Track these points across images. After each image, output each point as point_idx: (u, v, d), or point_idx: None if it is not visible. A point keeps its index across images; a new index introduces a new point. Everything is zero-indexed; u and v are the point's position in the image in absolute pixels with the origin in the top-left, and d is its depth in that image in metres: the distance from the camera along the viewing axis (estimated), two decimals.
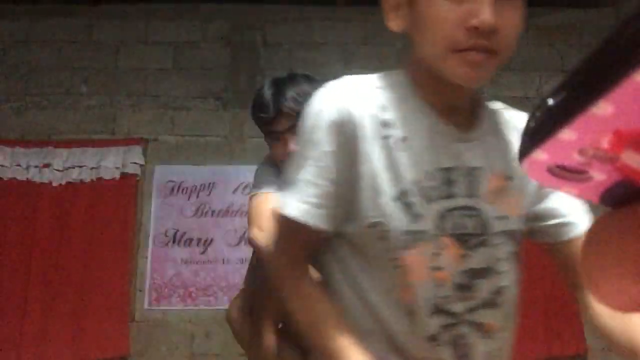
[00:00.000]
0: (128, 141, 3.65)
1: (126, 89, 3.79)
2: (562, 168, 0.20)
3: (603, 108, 0.17)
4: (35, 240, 3.42)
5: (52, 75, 3.79)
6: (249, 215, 1.44)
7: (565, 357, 3.42)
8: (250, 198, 1.46)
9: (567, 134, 0.18)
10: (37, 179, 3.53)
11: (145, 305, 3.45)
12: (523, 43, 4.17)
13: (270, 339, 1.43)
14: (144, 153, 3.66)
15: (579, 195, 0.21)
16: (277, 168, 1.50)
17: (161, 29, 3.89)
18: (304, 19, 3.93)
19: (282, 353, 1.47)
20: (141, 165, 3.63)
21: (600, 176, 0.19)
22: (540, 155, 0.19)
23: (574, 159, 0.19)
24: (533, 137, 0.19)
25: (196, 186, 3.63)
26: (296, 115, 1.39)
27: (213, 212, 3.59)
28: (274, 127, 1.43)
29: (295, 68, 3.86)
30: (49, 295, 3.34)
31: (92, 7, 3.87)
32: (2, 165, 3.54)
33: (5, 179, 3.53)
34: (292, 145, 1.39)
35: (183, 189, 3.63)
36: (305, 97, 1.36)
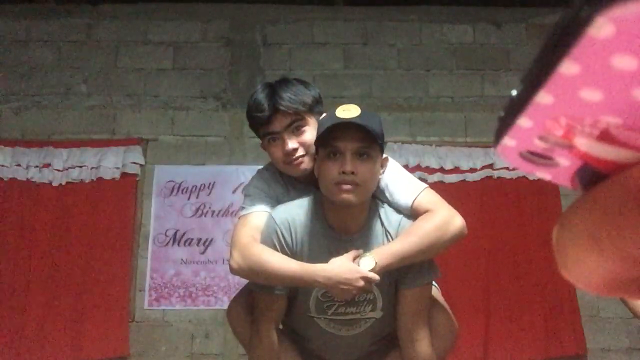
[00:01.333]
0: (128, 141, 3.65)
1: (126, 89, 3.79)
2: (532, 154, 0.21)
3: (545, 97, 0.18)
4: (35, 240, 3.42)
5: (52, 75, 3.79)
6: (231, 238, 1.48)
7: (565, 357, 3.41)
8: (239, 218, 1.49)
9: (524, 122, 0.20)
10: (37, 179, 3.53)
11: (145, 305, 3.45)
12: (522, 42, 4.16)
13: (270, 338, 1.43)
14: (144, 153, 3.66)
15: (554, 180, 0.22)
16: (278, 177, 1.53)
17: (161, 29, 3.89)
18: (304, 19, 3.93)
19: (282, 352, 1.48)
20: (141, 165, 3.63)
21: (564, 161, 0.21)
22: (509, 141, 0.21)
23: (538, 146, 0.21)
24: (501, 125, 0.21)
25: (196, 186, 3.63)
26: (293, 113, 1.42)
27: (213, 212, 3.59)
28: (270, 127, 1.44)
29: (295, 68, 3.86)
30: (49, 295, 3.34)
31: (92, 7, 3.88)
32: (2, 165, 3.54)
33: (5, 179, 3.53)
34: (291, 144, 1.41)
35: (183, 189, 3.62)
36: (301, 96, 1.42)
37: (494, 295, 3.43)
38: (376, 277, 1.29)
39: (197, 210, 3.60)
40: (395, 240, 1.36)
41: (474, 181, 3.59)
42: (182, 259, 3.52)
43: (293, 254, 1.37)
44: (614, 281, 0.19)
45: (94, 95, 3.78)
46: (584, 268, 0.19)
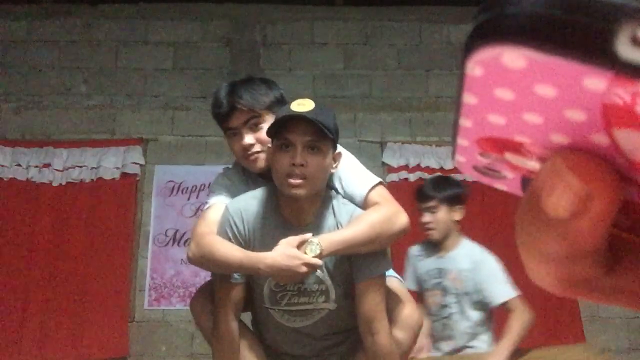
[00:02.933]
0: (128, 141, 3.65)
1: (126, 89, 3.79)
2: (483, 166, 0.23)
3: (465, 121, 0.20)
4: (35, 240, 3.42)
5: (52, 75, 3.79)
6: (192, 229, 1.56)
7: None
8: (202, 212, 1.57)
9: (462, 141, 0.22)
10: (37, 179, 3.53)
11: (145, 305, 3.45)
12: None
13: (228, 327, 1.46)
14: (144, 153, 3.66)
15: (509, 190, 0.24)
16: (241, 173, 1.60)
17: (161, 29, 3.89)
18: (304, 19, 3.93)
19: (242, 344, 1.51)
20: (141, 165, 3.63)
21: (508, 174, 0.22)
22: (459, 157, 0.23)
23: (482, 161, 0.22)
24: (452, 142, 0.23)
25: (196, 186, 3.63)
26: (249, 110, 1.48)
27: None
28: (229, 122, 1.52)
29: (295, 68, 3.86)
30: (49, 295, 3.34)
31: (92, 7, 3.88)
32: (2, 165, 3.54)
33: (5, 179, 3.53)
34: (247, 139, 1.48)
35: (183, 189, 3.63)
36: (260, 95, 1.50)
37: None
38: (318, 262, 1.32)
39: (197, 210, 3.60)
40: (343, 228, 1.40)
41: (474, 181, 3.59)
42: (182, 259, 3.52)
43: (245, 243, 1.42)
44: (560, 282, 0.20)
45: (94, 95, 3.78)
46: (532, 270, 0.21)
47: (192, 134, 3.73)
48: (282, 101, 1.55)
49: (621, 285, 0.20)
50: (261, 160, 1.49)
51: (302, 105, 1.34)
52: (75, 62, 3.82)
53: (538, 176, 0.19)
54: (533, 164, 0.20)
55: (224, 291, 1.46)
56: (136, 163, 3.61)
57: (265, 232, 1.42)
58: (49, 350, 3.25)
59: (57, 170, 3.53)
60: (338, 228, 1.42)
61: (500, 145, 0.20)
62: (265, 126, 1.46)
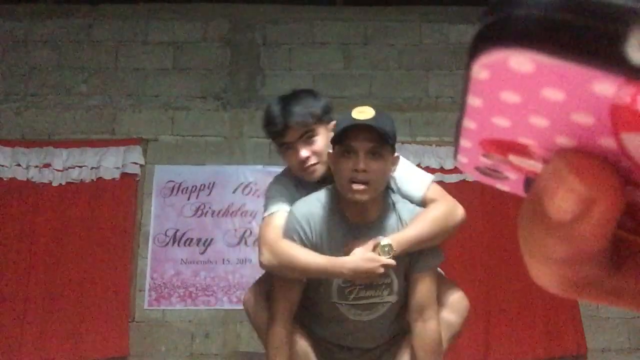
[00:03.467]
0: (128, 141, 3.65)
1: (126, 89, 3.79)
2: (484, 168, 0.23)
3: (469, 123, 0.20)
4: (35, 240, 3.42)
5: (52, 75, 3.79)
6: (258, 239, 1.63)
7: (565, 357, 3.42)
8: (263, 219, 1.63)
9: (465, 143, 0.22)
10: (37, 179, 3.53)
11: (145, 305, 3.45)
12: None
13: (285, 325, 1.51)
14: (144, 153, 3.66)
15: (512, 191, 0.24)
16: (292, 179, 1.66)
17: (161, 29, 3.89)
18: (304, 19, 3.93)
19: (294, 339, 1.55)
20: (141, 165, 3.63)
21: (511, 175, 0.22)
22: (462, 158, 0.23)
23: (484, 162, 0.22)
24: (454, 143, 0.23)
25: (196, 186, 3.63)
26: (303, 126, 1.56)
27: (213, 212, 3.59)
28: (284, 138, 1.58)
29: (295, 68, 3.86)
30: (49, 295, 3.34)
31: (92, 7, 3.88)
32: (2, 165, 3.54)
33: (5, 179, 3.53)
34: (304, 153, 1.55)
35: (183, 189, 3.62)
36: (310, 108, 1.58)
37: (495, 295, 3.43)
38: (393, 262, 1.42)
39: (197, 210, 3.60)
40: (408, 227, 1.49)
41: (474, 181, 3.59)
42: (182, 259, 3.52)
43: (312, 245, 1.49)
44: (563, 284, 0.20)
45: (94, 95, 3.78)
46: (535, 271, 0.21)
47: (192, 134, 3.72)
48: (330, 109, 1.65)
49: (624, 286, 0.20)
50: (318, 172, 1.58)
51: (363, 113, 1.42)
52: (75, 62, 3.82)
53: (540, 178, 0.19)
54: (537, 166, 0.20)
55: (283, 291, 1.52)
56: (136, 163, 3.60)
57: (332, 234, 1.50)
58: (49, 350, 3.25)
59: (57, 170, 3.53)
60: (401, 226, 1.51)
61: (504, 147, 0.20)
62: (318, 138, 1.57)
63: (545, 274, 0.20)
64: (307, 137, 1.57)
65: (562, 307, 3.43)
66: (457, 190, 3.55)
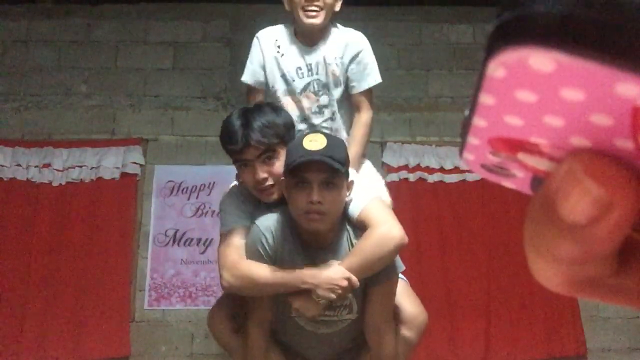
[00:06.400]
0: (128, 141, 3.65)
1: (126, 89, 3.79)
2: (491, 166, 0.23)
3: (479, 121, 0.20)
4: (35, 240, 3.42)
5: (52, 75, 3.79)
6: (217, 258, 1.59)
7: (565, 357, 3.42)
8: (220, 236, 1.61)
9: (473, 140, 0.21)
10: (37, 179, 3.53)
11: (145, 305, 3.45)
12: None
13: (257, 340, 1.53)
14: (144, 153, 3.66)
15: (518, 189, 0.24)
16: (245, 192, 1.61)
17: (161, 29, 3.89)
18: None
19: (269, 354, 1.56)
20: (141, 165, 3.63)
21: (519, 173, 0.22)
22: (468, 155, 0.23)
23: (492, 160, 0.22)
24: (460, 139, 0.22)
25: (196, 186, 3.63)
26: (264, 145, 1.49)
27: (213, 212, 3.58)
28: (242, 156, 1.52)
29: None
30: (49, 295, 3.34)
31: (91, 7, 3.88)
32: (2, 165, 3.54)
33: (5, 179, 3.53)
34: (262, 174, 1.49)
35: (183, 189, 3.62)
36: (272, 127, 1.50)
37: (495, 295, 3.43)
38: (356, 281, 1.40)
39: (197, 210, 3.60)
40: (343, 261, 1.46)
41: (474, 181, 3.59)
42: (182, 259, 3.52)
43: (273, 260, 1.48)
44: (567, 282, 0.20)
45: (94, 95, 3.78)
46: (539, 270, 0.21)
47: (192, 134, 3.72)
48: (292, 127, 1.59)
49: (628, 284, 0.20)
50: (274, 195, 1.53)
51: (315, 142, 1.38)
52: (75, 62, 3.82)
53: (553, 178, 0.18)
54: (547, 165, 0.20)
55: (254, 303, 1.52)
56: (136, 163, 3.60)
57: (288, 252, 1.49)
58: (49, 350, 3.25)
59: (57, 170, 3.53)
60: (351, 246, 1.49)
61: (514, 145, 0.20)
62: (277, 161, 1.50)
63: (549, 272, 0.20)
64: (267, 157, 1.50)
65: (562, 307, 3.42)
66: (457, 190, 3.55)
